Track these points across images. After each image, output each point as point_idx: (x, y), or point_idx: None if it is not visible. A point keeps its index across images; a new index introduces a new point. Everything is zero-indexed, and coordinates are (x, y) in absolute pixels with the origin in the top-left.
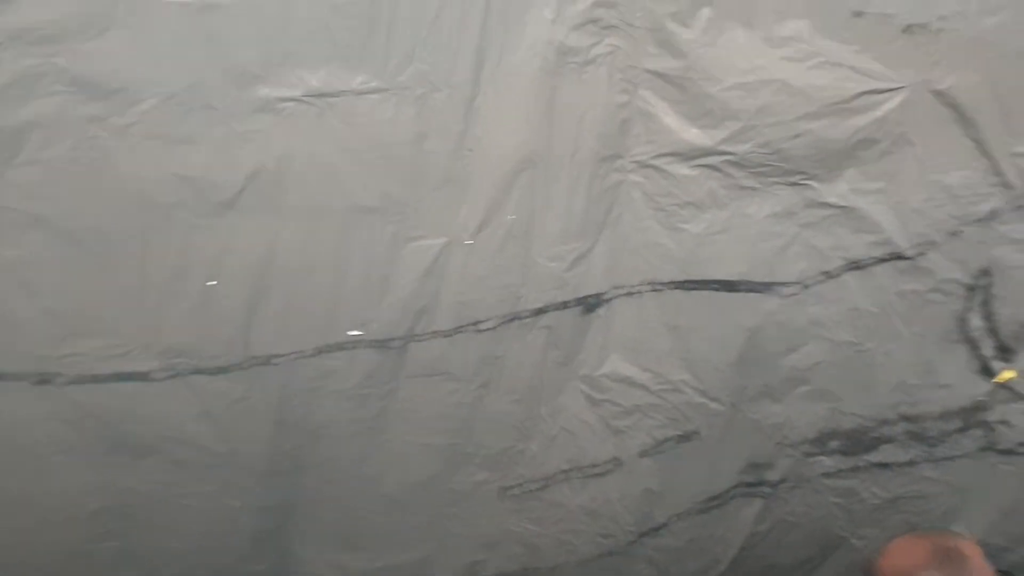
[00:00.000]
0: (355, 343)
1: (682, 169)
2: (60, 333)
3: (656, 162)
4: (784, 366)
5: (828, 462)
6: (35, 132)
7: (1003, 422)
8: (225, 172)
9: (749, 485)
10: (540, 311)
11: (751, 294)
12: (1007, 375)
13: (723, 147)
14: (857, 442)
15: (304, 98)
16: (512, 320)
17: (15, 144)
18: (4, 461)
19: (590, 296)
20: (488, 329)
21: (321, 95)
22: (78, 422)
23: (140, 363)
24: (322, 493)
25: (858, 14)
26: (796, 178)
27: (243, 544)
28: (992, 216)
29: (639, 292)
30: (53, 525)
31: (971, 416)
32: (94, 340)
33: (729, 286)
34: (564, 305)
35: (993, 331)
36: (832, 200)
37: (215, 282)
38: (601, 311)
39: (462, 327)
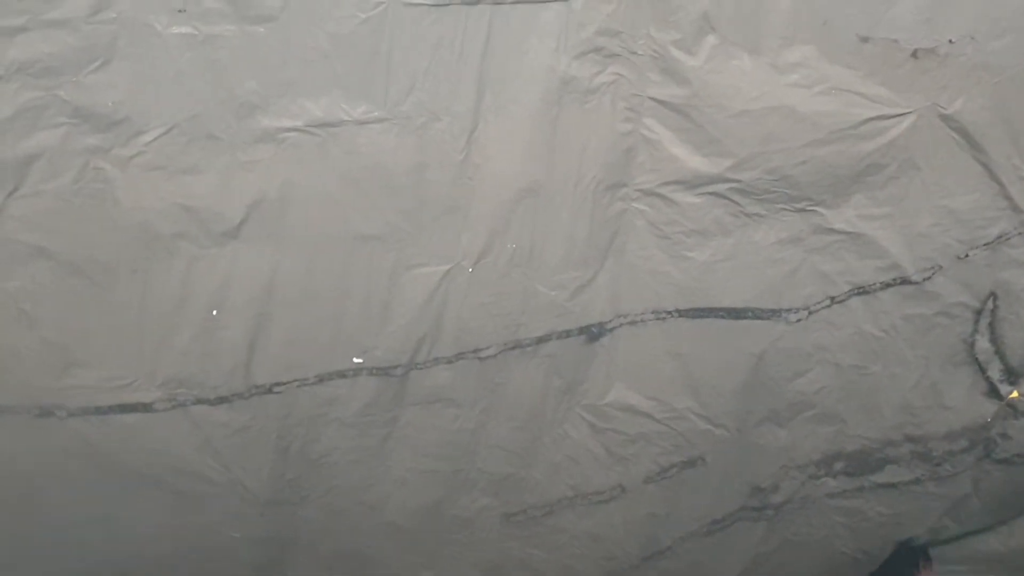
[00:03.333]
0: (357, 371)
1: (687, 197)
2: (61, 365)
3: (661, 190)
4: (790, 391)
5: (833, 483)
6: (38, 164)
7: (1003, 435)
8: (228, 202)
9: (754, 509)
10: (542, 339)
11: (757, 321)
12: (1014, 395)
13: (729, 174)
14: (863, 463)
15: (306, 128)
16: (514, 348)
17: (18, 176)
18: (5, 494)
19: (593, 325)
20: (489, 356)
21: (323, 125)
22: (80, 454)
23: (142, 394)
24: (324, 522)
25: (865, 39)
26: (803, 204)
27: (244, 574)
28: (1000, 239)
29: (643, 321)
30: (52, 558)
31: (977, 435)
32: (96, 371)
33: (735, 313)
34: (567, 334)
35: (1000, 354)
36: (839, 226)
37: (217, 312)
38: (605, 340)
39: (463, 354)
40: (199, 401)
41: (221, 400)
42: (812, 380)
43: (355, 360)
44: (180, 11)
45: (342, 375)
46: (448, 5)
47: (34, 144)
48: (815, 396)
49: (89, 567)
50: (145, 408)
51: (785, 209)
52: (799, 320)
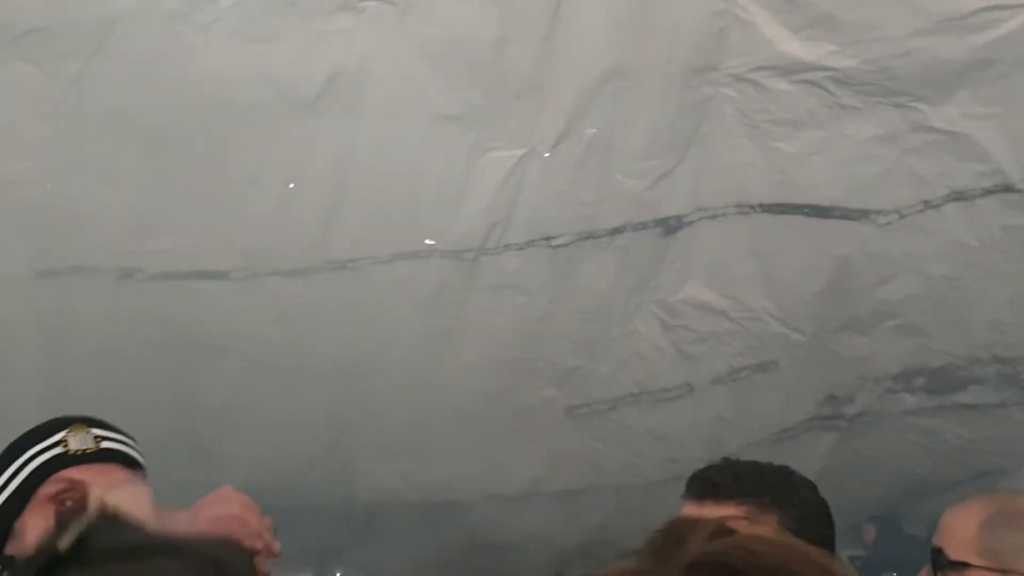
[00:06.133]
0: (429, 252)
1: (780, 84)
2: (141, 229)
3: (752, 75)
4: (873, 298)
5: (911, 399)
6: (118, 27)
7: None
8: (305, 72)
9: (825, 418)
10: (616, 230)
11: (844, 221)
12: None
13: (826, 62)
14: (944, 381)
15: None
16: (587, 238)
17: (98, 38)
18: (88, 351)
19: (671, 217)
20: (561, 245)
21: None
22: (158, 317)
23: (218, 262)
24: (390, 401)
25: None
26: (902, 99)
27: (312, 447)
28: None
29: (724, 215)
30: (126, 418)
31: None
32: (174, 237)
33: (821, 212)
34: (642, 226)
35: None
36: (940, 125)
37: (294, 185)
38: (681, 234)
39: (535, 241)
40: (274, 272)
41: (295, 273)
42: (898, 288)
43: (427, 242)
44: None
45: (414, 255)
46: None
47: (114, 7)
48: (899, 305)
49: (161, 427)
50: (222, 276)
51: (882, 103)
52: (888, 223)
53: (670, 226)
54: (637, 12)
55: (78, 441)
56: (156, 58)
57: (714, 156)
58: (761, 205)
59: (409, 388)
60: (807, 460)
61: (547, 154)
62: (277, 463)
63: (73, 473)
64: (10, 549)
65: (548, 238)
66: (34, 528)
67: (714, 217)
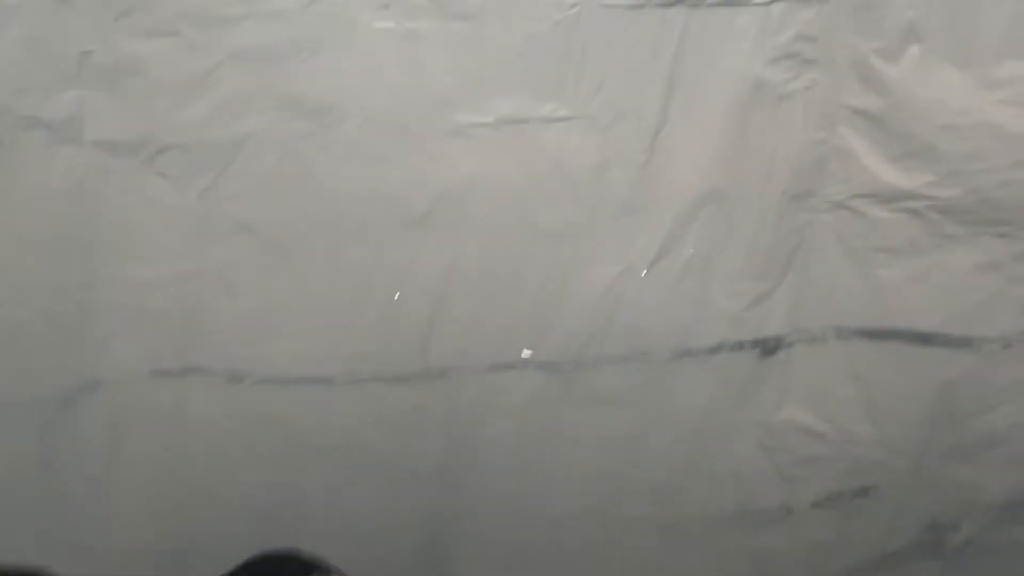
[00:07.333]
0: (526, 363)
1: (880, 211)
2: (254, 334)
3: (852, 203)
4: (977, 426)
5: (1021, 531)
6: (247, 144)
7: None
8: (416, 192)
9: (929, 545)
10: (714, 349)
11: (946, 348)
12: None
13: (927, 191)
14: None
15: (494, 124)
16: (684, 355)
17: (230, 154)
18: (192, 452)
19: (769, 338)
20: (659, 361)
21: (511, 122)
22: (263, 421)
23: (325, 368)
24: (485, 510)
25: None
26: (1005, 229)
27: (406, 555)
28: None
29: (823, 339)
30: (227, 520)
31: None
32: (284, 343)
33: (923, 338)
34: (740, 346)
35: None
36: None
37: (399, 295)
38: (780, 355)
39: (631, 356)
40: (377, 378)
41: (397, 379)
42: (1004, 416)
43: (524, 353)
44: (385, 7)
45: (511, 366)
46: (643, 7)
47: (246, 126)
48: (1006, 434)
49: (259, 533)
50: (327, 381)
51: (985, 232)
52: (993, 352)
53: (768, 347)
54: (735, 140)
55: None
56: (279, 175)
57: (812, 280)
58: (860, 330)
59: (502, 498)
60: None
61: (644, 271)
62: (369, 568)
63: None
64: None
65: (645, 353)
66: None
67: (813, 340)
